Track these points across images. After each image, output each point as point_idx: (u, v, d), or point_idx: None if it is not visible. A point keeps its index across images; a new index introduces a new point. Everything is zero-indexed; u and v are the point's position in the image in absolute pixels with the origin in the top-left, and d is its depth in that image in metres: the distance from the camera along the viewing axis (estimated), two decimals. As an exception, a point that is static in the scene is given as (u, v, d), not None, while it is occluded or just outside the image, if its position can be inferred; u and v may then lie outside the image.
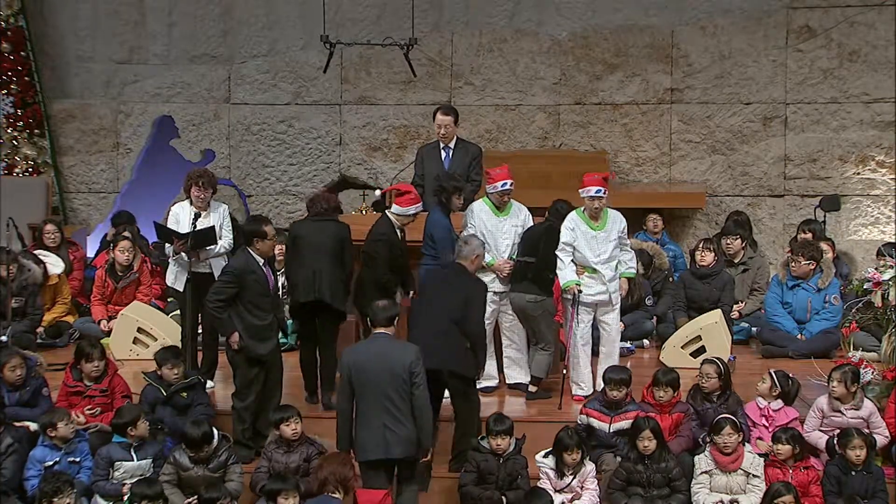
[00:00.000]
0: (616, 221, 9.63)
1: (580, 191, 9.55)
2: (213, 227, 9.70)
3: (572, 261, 9.50)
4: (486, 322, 9.40)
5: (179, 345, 10.02)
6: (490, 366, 9.77)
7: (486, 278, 9.49)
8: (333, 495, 7.90)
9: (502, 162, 10.57)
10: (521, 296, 9.57)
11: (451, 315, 8.67)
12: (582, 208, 9.58)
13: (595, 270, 9.53)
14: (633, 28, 13.78)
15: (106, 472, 8.41)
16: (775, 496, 8.10)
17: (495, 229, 9.68)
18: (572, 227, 9.53)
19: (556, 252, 9.50)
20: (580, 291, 9.43)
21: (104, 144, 14.35)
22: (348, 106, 14.08)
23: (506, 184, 9.63)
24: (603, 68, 13.78)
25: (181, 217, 9.81)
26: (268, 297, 8.96)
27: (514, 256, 9.66)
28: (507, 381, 9.92)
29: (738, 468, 8.41)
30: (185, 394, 8.91)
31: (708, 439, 8.57)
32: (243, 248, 9.03)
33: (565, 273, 9.47)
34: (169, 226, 9.88)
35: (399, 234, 9.53)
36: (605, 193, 9.49)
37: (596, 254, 9.52)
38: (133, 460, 8.44)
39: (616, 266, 9.65)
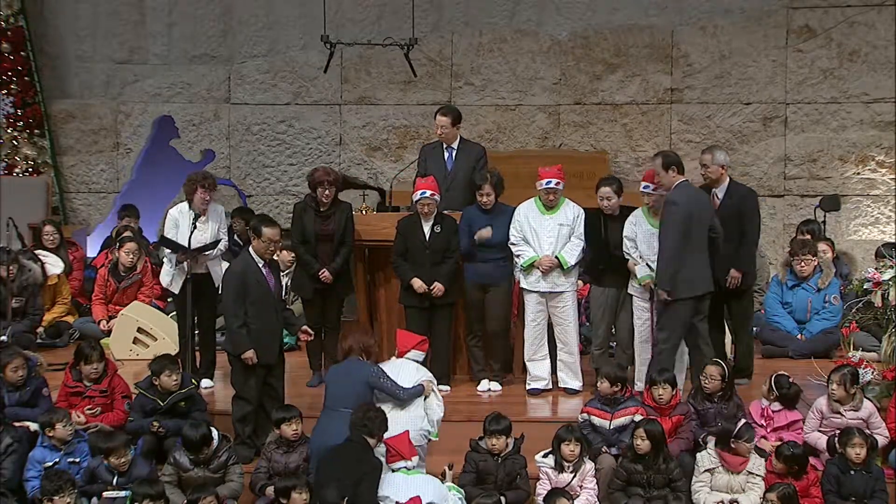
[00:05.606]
0: None
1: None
2: (215, 242, 9.72)
3: (640, 255, 9.54)
4: (534, 323, 9.63)
5: (178, 345, 10.03)
6: (542, 367, 9.81)
7: (531, 278, 9.61)
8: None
9: (501, 162, 10.57)
10: None
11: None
12: (647, 206, 9.57)
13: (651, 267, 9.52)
14: (633, 28, 13.77)
15: (92, 481, 8.38)
16: (767, 492, 8.15)
17: (538, 227, 9.67)
18: (634, 221, 9.58)
19: (624, 249, 9.61)
20: (656, 285, 9.41)
21: (104, 144, 14.35)
22: (348, 106, 14.08)
23: (549, 182, 9.60)
24: (603, 68, 13.78)
25: (180, 221, 9.77)
26: (270, 300, 8.92)
27: (558, 254, 9.64)
28: (560, 385, 9.86)
29: (743, 469, 8.40)
30: (182, 403, 8.82)
31: (709, 440, 8.55)
32: (244, 250, 9.02)
33: (639, 268, 9.50)
34: (167, 229, 9.85)
35: (423, 225, 9.75)
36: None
37: (653, 251, 9.45)
38: (113, 485, 8.31)
39: None
